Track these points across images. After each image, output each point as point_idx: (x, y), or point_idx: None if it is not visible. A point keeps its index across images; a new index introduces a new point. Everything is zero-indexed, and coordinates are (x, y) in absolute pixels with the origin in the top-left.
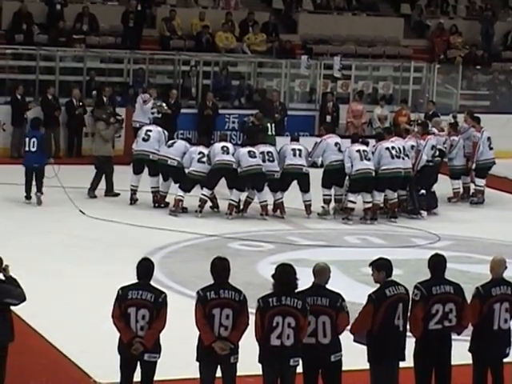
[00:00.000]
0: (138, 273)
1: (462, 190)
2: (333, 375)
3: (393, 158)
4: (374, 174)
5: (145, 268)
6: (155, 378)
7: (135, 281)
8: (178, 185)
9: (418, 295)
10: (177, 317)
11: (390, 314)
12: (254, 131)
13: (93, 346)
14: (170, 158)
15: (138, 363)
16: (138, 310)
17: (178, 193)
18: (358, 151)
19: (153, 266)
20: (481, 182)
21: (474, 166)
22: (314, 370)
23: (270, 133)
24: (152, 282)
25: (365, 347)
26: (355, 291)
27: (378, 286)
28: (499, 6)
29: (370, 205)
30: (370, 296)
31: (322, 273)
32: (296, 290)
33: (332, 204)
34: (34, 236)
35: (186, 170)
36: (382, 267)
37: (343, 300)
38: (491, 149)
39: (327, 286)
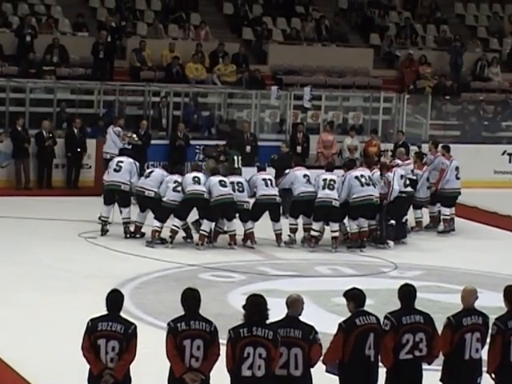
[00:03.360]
0: (107, 304)
1: (424, 220)
2: None
3: (363, 185)
4: (335, 203)
5: (114, 299)
6: None
7: (105, 312)
8: (153, 216)
9: (388, 325)
10: (147, 348)
11: (360, 344)
12: (283, 160)
13: (65, 377)
14: (147, 189)
15: None
16: (108, 341)
17: (154, 224)
18: (324, 180)
19: (122, 297)
20: (447, 210)
21: (437, 190)
22: None
23: (236, 165)
24: (122, 313)
25: (336, 378)
26: (326, 322)
27: (350, 315)
28: (468, 36)
29: (336, 233)
30: (340, 325)
31: (295, 304)
32: (268, 321)
33: (300, 233)
34: (3, 267)
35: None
36: (351, 297)
37: (316, 332)
38: (458, 178)
39: (300, 318)
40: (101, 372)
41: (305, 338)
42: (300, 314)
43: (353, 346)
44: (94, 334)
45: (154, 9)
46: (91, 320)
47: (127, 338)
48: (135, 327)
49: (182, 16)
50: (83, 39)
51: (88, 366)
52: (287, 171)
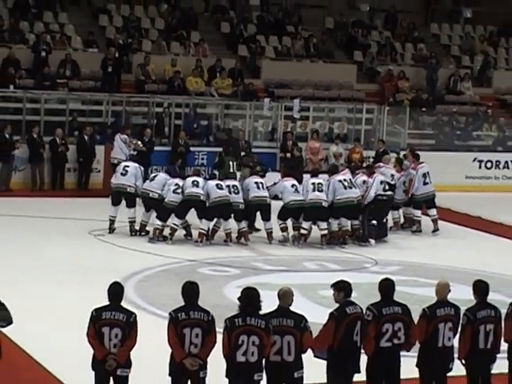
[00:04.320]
0: (109, 295)
1: (402, 220)
2: None
3: (345, 188)
4: (324, 203)
5: (115, 291)
6: None
7: (107, 303)
8: (155, 215)
9: (370, 316)
10: (151, 335)
11: (349, 331)
12: (291, 164)
13: (73, 362)
14: (151, 191)
15: (111, 378)
16: (112, 329)
17: (156, 222)
18: (313, 184)
19: (122, 289)
20: (418, 212)
21: (407, 198)
22: None
23: (231, 170)
24: (128, 304)
25: (324, 362)
26: (314, 312)
27: (338, 305)
28: (442, 54)
29: (325, 231)
30: (331, 314)
31: (286, 296)
32: (260, 312)
33: (291, 232)
34: (19, 261)
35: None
36: (341, 288)
37: (306, 321)
38: (426, 184)
39: (291, 308)
40: (104, 357)
41: (296, 327)
42: (290, 305)
43: (343, 333)
44: (98, 322)
45: (157, 27)
46: (95, 310)
47: (129, 326)
48: (135, 316)
49: (183, 34)
50: (93, 55)
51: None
52: (277, 180)
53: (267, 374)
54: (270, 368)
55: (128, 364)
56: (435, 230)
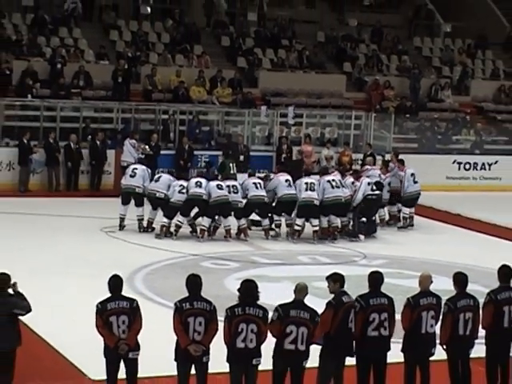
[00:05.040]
0: (110, 287)
1: (387, 217)
2: (299, 376)
3: (333, 188)
4: (316, 202)
5: (115, 282)
6: (140, 375)
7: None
8: (162, 213)
9: (358, 307)
10: (157, 324)
11: (345, 318)
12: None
13: (87, 348)
14: (157, 191)
15: (123, 362)
16: (118, 317)
17: (163, 220)
18: (306, 183)
19: (121, 280)
20: (406, 209)
21: (402, 196)
22: (285, 371)
23: (232, 171)
24: (137, 295)
25: (319, 347)
26: (307, 302)
27: (333, 295)
28: (424, 65)
29: (316, 228)
30: (329, 303)
31: (302, 290)
32: (258, 301)
33: (283, 228)
34: (36, 256)
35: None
36: (337, 279)
37: (318, 316)
38: (415, 182)
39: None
40: (116, 344)
41: (311, 320)
42: (304, 298)
43: (340, 320)
44: (104, 313)
45: (163, 41)
46: (100, 303)
47: (133, 312)
48: (137, 302)
49: (186, 47)
50: (104, 67)
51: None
52: (272, 176)
53: (279, 361)
54: (284, 356)
55: (137, 347)
56: (410, 225)
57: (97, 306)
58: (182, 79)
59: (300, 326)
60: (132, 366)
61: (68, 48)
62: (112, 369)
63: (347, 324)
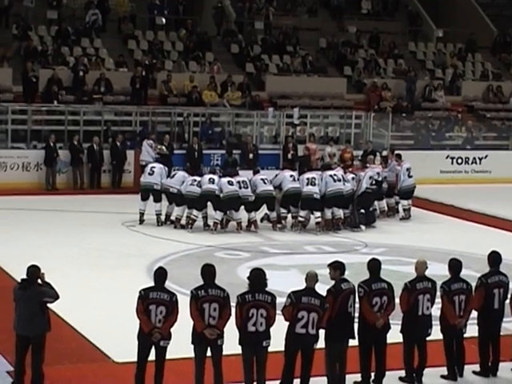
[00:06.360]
0: (155, 278)
1: (386, 209)
2: (310, 356)
3: (335, 181)
4: (316, 195)
5: (160, 274)
6: None
7: (149, 284)
8: (176, 207)
9: (362, 292)
10: None
11: (345, 304)
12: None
13: (111, 333)
14: (171, 187)
15: (154, 348)
16: (158, 306)
17: (177, 213)
18: (308, 178)
19: (166, 272)
20: (405, 202)
21: (397, 191)
22: (296, 353)
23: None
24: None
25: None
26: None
27: (334, 282)
28: (419, 68)
29: (319, 219)
30: (329, 290)
31: (312, 278)
32: (266, 288)
33: (289, 220)
34: (62, 248)
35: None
36: (337, 267)
37: (327, 303)
38: (410, 177)
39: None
40: (150, 330)
41: (321, 306)
42: (315, 285)
43: (340, 305)
44: (146, 300)
45: (177, 50)
46: (143, 290)
47: (172, 305)
48: (177, 296)
49: (199, 55)
50: (124, 74)
51: (133, 324)
52: (277, 172)
53: (291, 343)
54: (295, 339)
55: (169, 336)
56: (408, 217)
57: (140, 292)
58: (195, 84)
59: (311, 311)
60: (161, 353)
61: (90, 57)
62: (143, 352)
63: (347, 309)
